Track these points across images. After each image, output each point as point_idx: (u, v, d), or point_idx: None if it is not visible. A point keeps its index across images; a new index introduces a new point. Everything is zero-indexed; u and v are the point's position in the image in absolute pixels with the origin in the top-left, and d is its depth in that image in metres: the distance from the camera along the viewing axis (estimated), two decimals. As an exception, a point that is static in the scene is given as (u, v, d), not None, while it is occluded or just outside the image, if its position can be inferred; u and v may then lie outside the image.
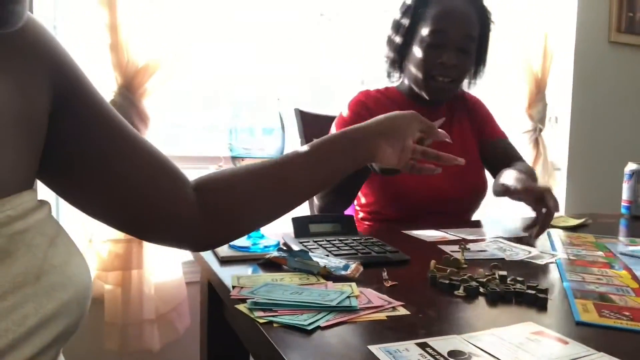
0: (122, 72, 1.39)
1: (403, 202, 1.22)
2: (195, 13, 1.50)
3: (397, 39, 1.27)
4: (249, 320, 0.54)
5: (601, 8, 2.27)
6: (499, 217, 1.50)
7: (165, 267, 1.49)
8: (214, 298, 0.88)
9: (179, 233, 0.60)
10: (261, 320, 0.52)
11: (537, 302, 0.61)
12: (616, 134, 2.36)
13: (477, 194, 1.30)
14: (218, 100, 1.79)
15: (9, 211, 0.40)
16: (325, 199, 1.11)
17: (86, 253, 1.39)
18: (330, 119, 1.33)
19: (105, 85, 1.39)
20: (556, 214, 0.97)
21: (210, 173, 0.65)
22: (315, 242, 0.86)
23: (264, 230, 0.86)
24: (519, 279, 0.67)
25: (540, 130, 2.11)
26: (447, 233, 1.04)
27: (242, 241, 0.84)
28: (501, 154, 1.32)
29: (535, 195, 0.97)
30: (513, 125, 2.14)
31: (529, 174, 1.12)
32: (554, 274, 0.76)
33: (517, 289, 0.63)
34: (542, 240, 1.00)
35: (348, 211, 1.24)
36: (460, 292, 0.64)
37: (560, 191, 2.24)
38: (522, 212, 1.15)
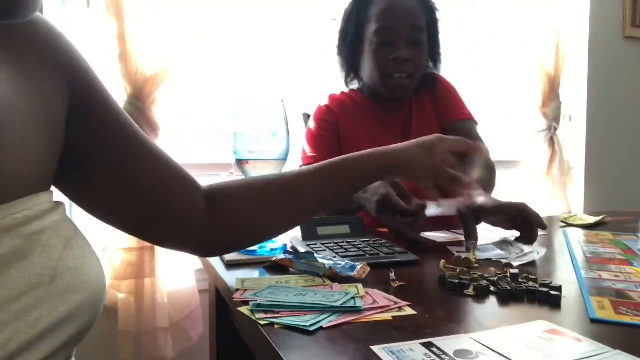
0: (131, 81, 1.40)
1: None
2: (202, 20, 1.51)
3: (347, 46, 1.27)
4: (252, 322, 0.53)
5: (614, 2, 2.22)
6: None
7: (177, 274, 1.49)
8: (223, 303, 0.87)
9: (189, 238, 0.61)
10: (262, 322, 0.51)
11: (550, 299, 0.58)
12: (633, 130, 2.30)
13: None
14: (227, 106, 1.79)
15: (26, 211, 0.40)
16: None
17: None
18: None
19: (115, 95, 1.39)
20: (569, 214, 0.93)
21: (222, 181, 0.65)
22: (323, 244, 0.85)
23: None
24: (531, 276, 0.64)
25: (555, 128, 2.07)
26: (457, 234, 1.02)
27: (248, 245, 0.83)
28: (465, 136, 1.23)
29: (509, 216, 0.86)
30: (527, 125, 2.11)
31: (486, 181, 1.06)
32: (568, 272, 0.73)
33: (529, 286, 0.61)
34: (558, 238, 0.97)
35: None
36: (470, 291, 0.62)
37: (577, 190, 2.19)
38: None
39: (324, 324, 0.50)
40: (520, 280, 0.64)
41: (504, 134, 2.16)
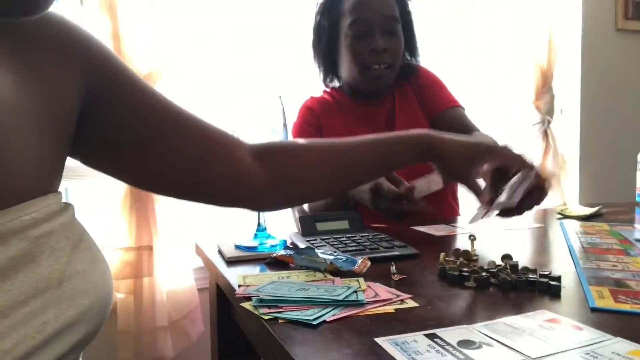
0: (126, 80, 1.39)
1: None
2: (197, 18, 1.51)
3: (323, 44, 1.26)
4: (255, 318, 0.53)
5: (607, -5, 2.23)
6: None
7: (176, 273, 1.49)
8: (224, 301, 0.87)
9: (239, 193, 0.63)
10: (266, 317, 0.51)
11: (550, 290, 0.59)
12: (627, 123, 2.31)
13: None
14: (224, 104, 1.79)
15: (34, 213, 0.39)
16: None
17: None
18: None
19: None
20: (565, 206, 0.93)
21: (276, 141, 0.69)
22: (323, 239, 0.85)
23: (270, 229, 0.86)
24: (530, 268, 0.65)
25: (549, 122, 2.08)
26: (456, 228, 1.02)
27: (248, 241, 0.83)
28: (459, 123, 1.22)
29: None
30: (521, 118, 2.11)
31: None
32: (567, 263, 0.74)
33: (529, 277, 0.62)
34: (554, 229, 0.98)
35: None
36: (471, 283, 0.62)
37: (572, 183, 2.20)
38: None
39: (328, 317, 0.51)
40: (520, 271, 0.64)
41: (497, 127, 2.16)
